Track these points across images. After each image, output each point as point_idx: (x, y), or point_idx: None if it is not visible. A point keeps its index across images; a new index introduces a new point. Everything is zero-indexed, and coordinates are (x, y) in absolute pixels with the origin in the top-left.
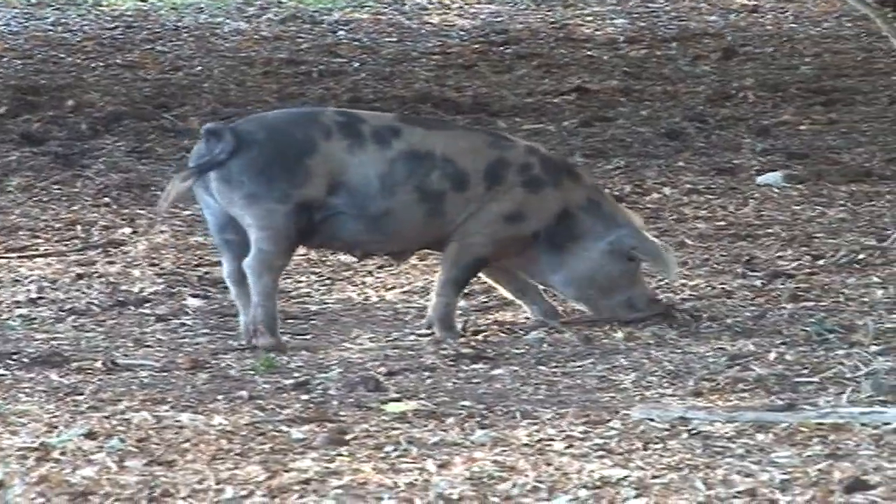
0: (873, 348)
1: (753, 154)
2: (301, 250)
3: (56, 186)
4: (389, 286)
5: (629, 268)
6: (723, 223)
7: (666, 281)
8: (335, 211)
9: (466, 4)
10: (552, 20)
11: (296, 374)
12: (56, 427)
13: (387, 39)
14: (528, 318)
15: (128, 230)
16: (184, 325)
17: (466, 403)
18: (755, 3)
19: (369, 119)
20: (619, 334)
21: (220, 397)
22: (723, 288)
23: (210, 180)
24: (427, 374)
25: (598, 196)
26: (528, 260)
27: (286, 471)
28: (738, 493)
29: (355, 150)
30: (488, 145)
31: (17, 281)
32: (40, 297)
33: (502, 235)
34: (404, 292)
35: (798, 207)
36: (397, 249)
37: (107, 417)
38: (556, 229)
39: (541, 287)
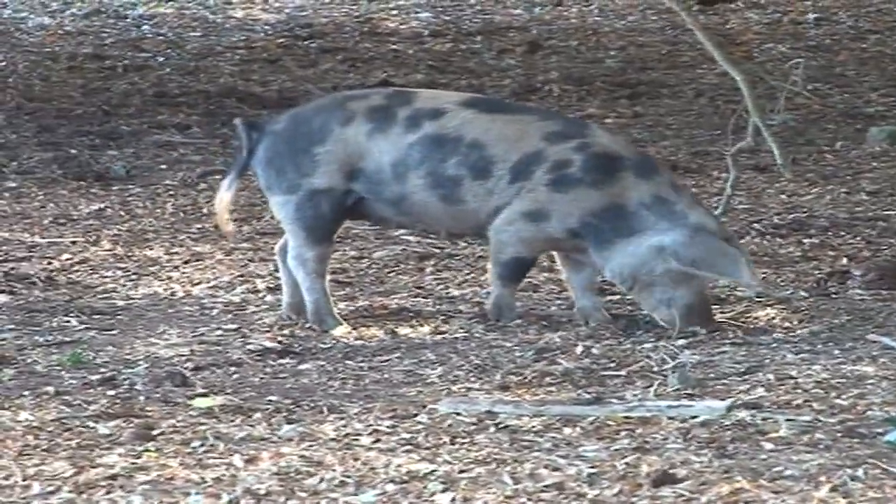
0: (680, 342)
1: None
2: (106, 245)
3: None
4: (196, 281)
5: (672, 269)
6: None
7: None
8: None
9: None
10: (357, 14)
11: (102, 370)
12: None
13: (191, 34)
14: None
15: None
16: None
17: (273, 398)
18: None
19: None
20: (426, 328)
21: (26, 393)
22: (529, 282)
23: None
24: (234, 369)
25: (668, 193)
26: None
27: (93, 466)
28: (546, 486)
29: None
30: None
31: None
32: None
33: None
34: (211, 287)
35: None
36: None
37: None
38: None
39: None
